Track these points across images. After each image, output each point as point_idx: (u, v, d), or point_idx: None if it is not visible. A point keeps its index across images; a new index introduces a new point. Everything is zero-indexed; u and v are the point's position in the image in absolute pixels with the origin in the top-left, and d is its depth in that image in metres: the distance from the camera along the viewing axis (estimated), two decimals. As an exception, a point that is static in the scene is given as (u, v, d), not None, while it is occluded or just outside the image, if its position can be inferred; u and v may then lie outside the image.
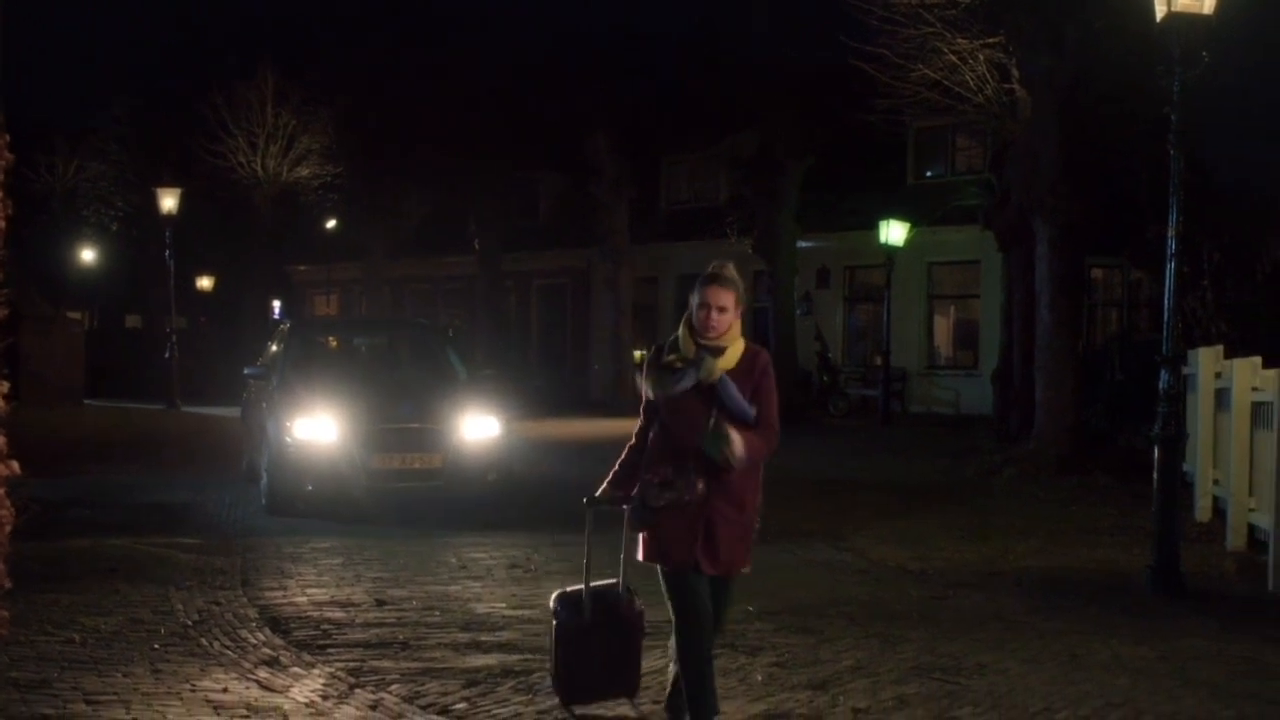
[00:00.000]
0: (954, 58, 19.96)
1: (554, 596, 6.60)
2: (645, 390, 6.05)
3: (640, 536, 6.00)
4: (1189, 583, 10.31)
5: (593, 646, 6.45)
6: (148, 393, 34.16)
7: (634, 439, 6.18)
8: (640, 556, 6.04)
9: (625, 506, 6.04)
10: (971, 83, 20.27)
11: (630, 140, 34.02)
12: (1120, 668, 7.81)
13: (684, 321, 5.98)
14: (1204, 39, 10.43)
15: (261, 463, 14.64)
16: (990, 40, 19.47)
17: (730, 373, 5.87)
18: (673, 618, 5.99)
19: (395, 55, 37.33)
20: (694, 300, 5.93)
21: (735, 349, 5.92)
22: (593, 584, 6.50)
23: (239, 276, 43.31)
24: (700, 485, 5.80)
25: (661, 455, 5.93)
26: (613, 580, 6.54)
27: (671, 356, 5.93)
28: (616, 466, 6.22)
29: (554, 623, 6.51)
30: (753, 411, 5.87)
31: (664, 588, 5.99)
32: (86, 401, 33.85)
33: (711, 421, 5.78)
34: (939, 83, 20.36)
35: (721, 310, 5.86)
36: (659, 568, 5.99)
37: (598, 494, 6.22)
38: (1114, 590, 10.40)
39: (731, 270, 5.96)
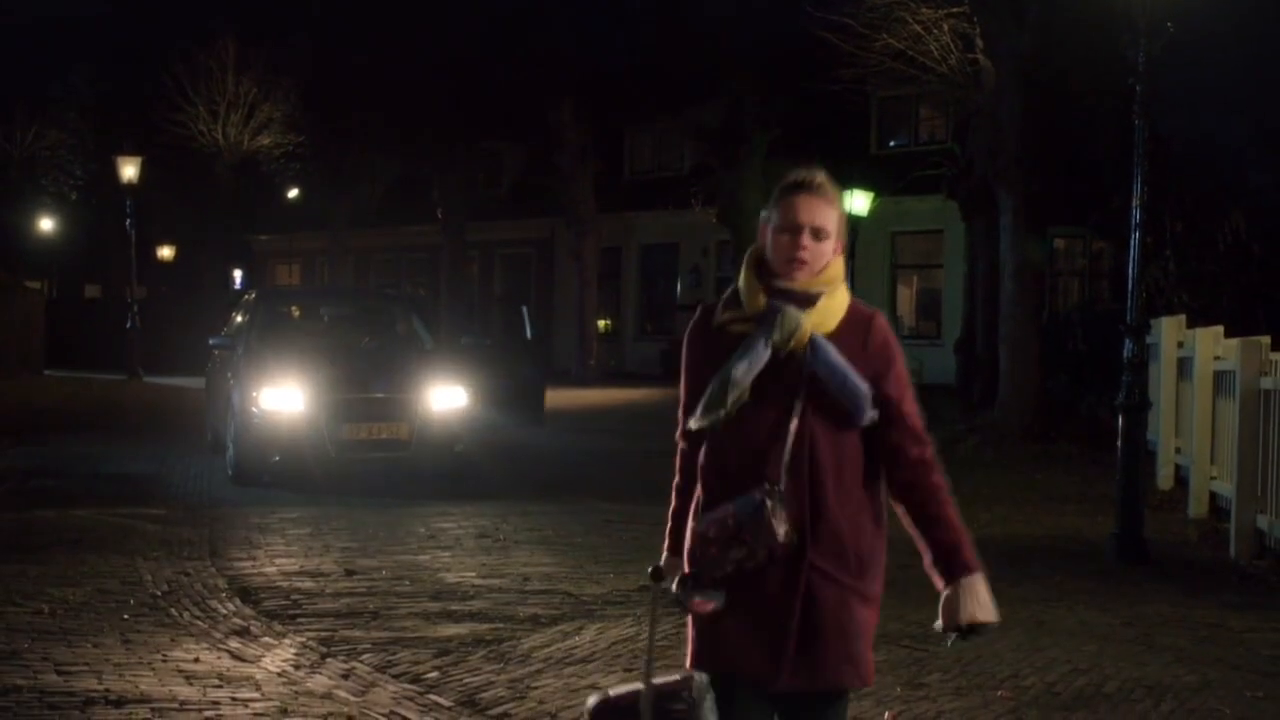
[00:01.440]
0: (918, 27, 20.03)
1: (591, 706, 3.67)
2: (686, 377, 3.73)
3: (690, 627, 3.68)
4: (1152, 550, 10.41)
5: None
6: (108, 363, 33.93)
7: (678, 474, 3.82)
8: (690, 660, 3.66)
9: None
10: (935, 52, 20.34)
11: (594, 110, 33.93)
12: (1086, 634, 7.89)
13: (747, 261, 3.73)
14: (1169, 9, 10.48)
15: (227, 433, 14.58)
16: (954, 10, 19.54)
17: (831, 337, 3.59)
18: None
19: (358, 23, 37.07)
20: (770, 225, 3.70)
21: (836, 301, 3.62)
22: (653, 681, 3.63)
23: (200, 246, 43.04)
24: (783, 529, 3.48)
25: (718, 486, 3.60)
26: (676, 678, 3.64)
27: (726, 315, 3.67)
28: (670, 521, 3.83)
29: None
30: (869, 398, 3.57)
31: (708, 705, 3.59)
32: (46, 372, 33.60)
33: (795, 420, 3.53)
34: (903, 52, 20.42)
35: (818, 235, 3.61)
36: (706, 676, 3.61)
37: (662, 564, 3.80)
38: (1079, 557, 10.50)
39: (828, 180, 3.70)
